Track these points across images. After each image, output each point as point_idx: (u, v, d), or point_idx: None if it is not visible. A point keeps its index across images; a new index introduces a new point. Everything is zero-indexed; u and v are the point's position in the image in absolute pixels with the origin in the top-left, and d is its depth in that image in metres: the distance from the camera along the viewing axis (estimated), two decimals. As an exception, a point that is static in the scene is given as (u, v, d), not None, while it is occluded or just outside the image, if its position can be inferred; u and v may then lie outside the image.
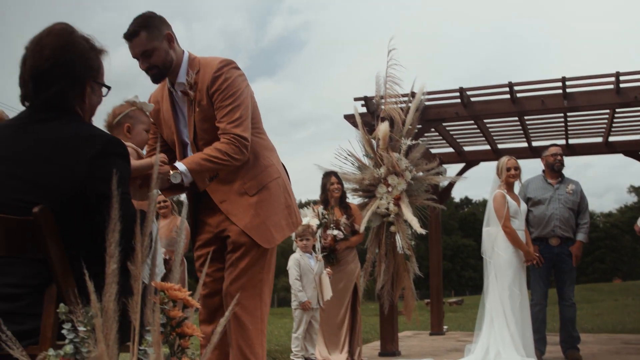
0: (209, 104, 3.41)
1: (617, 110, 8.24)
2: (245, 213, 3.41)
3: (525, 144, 10.15)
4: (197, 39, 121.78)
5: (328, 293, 6.47)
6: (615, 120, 8.82)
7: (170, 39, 3.42)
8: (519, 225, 6.55)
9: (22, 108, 2.32)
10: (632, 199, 68.35)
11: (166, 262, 6.83)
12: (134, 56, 3.36)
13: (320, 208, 6.95)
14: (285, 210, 3.57)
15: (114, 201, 1.96)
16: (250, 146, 3.40)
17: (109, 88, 2.43)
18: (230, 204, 3.43)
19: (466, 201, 72.98)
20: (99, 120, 3.52)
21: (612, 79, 7.25)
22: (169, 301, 2.04)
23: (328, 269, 6.62)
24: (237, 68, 3.50)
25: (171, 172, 3.14)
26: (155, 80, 3.47)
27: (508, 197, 6.55)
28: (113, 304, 1.86)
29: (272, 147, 3.71)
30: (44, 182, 2.07)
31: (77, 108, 2.30)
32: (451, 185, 10.42)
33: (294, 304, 6.39)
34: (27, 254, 2.04)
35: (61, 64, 2.21)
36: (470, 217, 63.40)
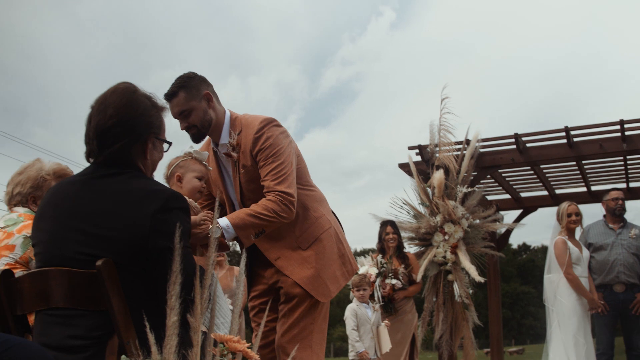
0: (254, 165, 3.44)
1: (680, 151, 8.04)
2: (300, 267, 3.43)
3: (584, 189, 9.96)
4: (253, 92, 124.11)
5: (387, 345, 6.39)
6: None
7: (209, 98, 3.47)
8: (581, 272, 6.39)
9: (86, 164, 2.39)
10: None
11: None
12: (174, 116, 3.42)
13: (379, 257, 6.93)
14: (339, 260, 3.57)
15: (176, 254, 2.00)
16: (297, 201, 3.43)
17: (170, 144, 2.50)
18: (285, 260, 3.45)
19: (524, 247, 71.53)
20: (159, 174, 3.60)
21: (674, 119, 7.10)
22: (228, 353, 2.05)
23: (386, 321, 6.55)
24: (279, 125, 3.53)
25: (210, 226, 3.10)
26: (195, 139, 3.51)
27: (569, 244, 6.42)
28: (173, 356, 1.88)
29: (321, 198, 3.73)
30: (108, 235, 2.11)
31: (139, 163, 2.37)
32: (508, 232, 10.26)
33: (351, 354, 6.33)
34: (91, 306, 2.07)
35: (124, 122, 2.29)
36: (528, 263, 62.13)
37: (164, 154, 2.53)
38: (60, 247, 2.15)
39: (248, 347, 2.09)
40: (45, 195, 2.37)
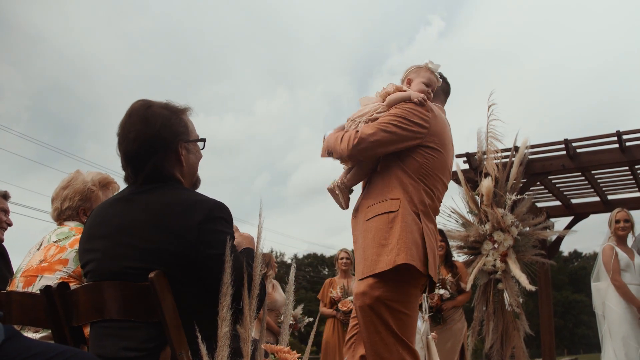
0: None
1: None
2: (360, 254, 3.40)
3: (637, 194, 9.74)
4: (301, 104, 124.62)
5: (436, 357, 6.34)
6: None
7: None
8: (630, 279, 6.26)
9: None
10: None
11: (291, 326, 6.96)
12: None
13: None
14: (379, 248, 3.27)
15: (227, 266, 2.01)
16: (395, 178, 3.39)
17: (203, 141, 2.50)
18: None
19: (575, 255, 70.25)
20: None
21: None
22: (279, 364, 2.06)
23: (434, 333, 6.48)
24: (419, 108, 3.45)
25: None
26: None
27: (618, 250, 6.30)
28: (225, 367, 1.90)
29: (414, 192, 3.40)
30: (157, 248, 2.14)
31: (177, 173, 2.39)
32: (559, 239, 10.09)
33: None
34: (144, 318, 2.10)
35: (148, 141, 2.31)
36: (580, 271, 60.99)
37: (202, 152, 2.53)
38: (112, 264, 2.18)
39: (298, 358, 2.10)
40: (89, 217, 2.41)
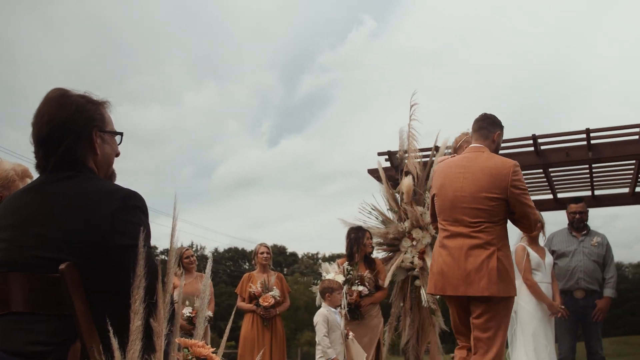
0: None
1: (644, 160, 8.18)
2: None
3: (550, 196, 10.08)
4: (229, 97, 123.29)
5: (361, 354, 6.41)
6: (641, 171, 8.76)
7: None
8: (542, 277, 6.47)
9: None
10: (660, 248, 67.14)
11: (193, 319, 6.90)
12: None
13: (346, 264, 6.92)
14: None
15: (140, 257, 1.98)
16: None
17: (121, 134, 2.46)
18: None
19: (492, 253, 72.21)
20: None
21: (637, 129, 7.22)
22: (192, 358, 2.03)
23: (351, 333, 6.52)
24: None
25: None
26: None
27: (530, 250, 6.51)
28: (137, 361, 1.86)
29: (439, 239, 4.62)
30: (68, 238, 2.08)
31: (90, 162, 2.34)
32: (476, 238, 10.34)
33: (319, 360, 6.32)
34: (53, 310, 2.05)
35: (60, 124, 2.26)
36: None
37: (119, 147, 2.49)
38: (20, 254, 2.11)
39: (213, 352, 2.08)
40: None
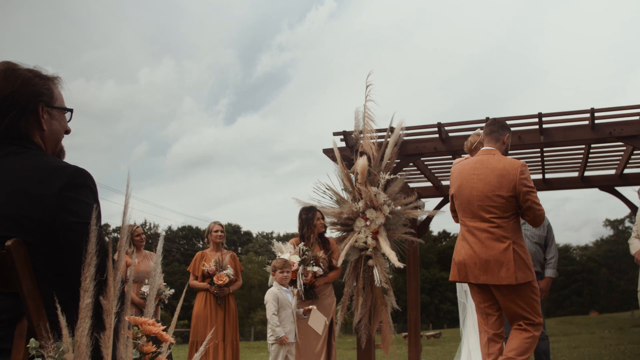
0: None
1: (593, 145, 8.35)
2: None
3: (502, 178, 10.22)
4: (186, 75, 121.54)
5: (321, 321, 6.47)
6: (590, 155, 8.94)
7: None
8: None
9: None
10: (608, 232, 68.96)
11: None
12: None
13: (302, 244, 6.92)
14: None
15: (92, 235, 1.95)
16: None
17: (70, 111, 2.41)
18: None
19: (444, 235, 73.13)
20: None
21: (588, 115, 7.34)
22: (142, 336, 2.02)
23: (311, 307, 6.55)
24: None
25: None
26: None
27: None
28: (85, 339, 1.84)
29: (462, 232, 5.24)
30: (14, 214, 2.04)
31: (37, 137, 2.29)
32: (429, 219, 10.43)
33: (270, 339, 6.33)
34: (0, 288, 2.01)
35: (5, 96, 2.21)
36: (448, 250, 63.53)
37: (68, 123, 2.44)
38: None
39: (163, 330, 2.07)
40: None
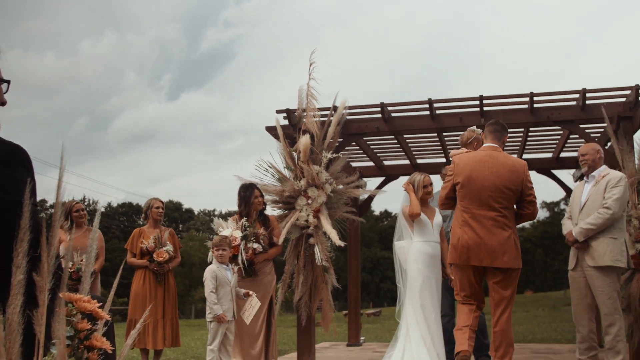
0: None
1: (531, 129, 8.53)
2: None
3: (443, 159, 10.38)
4: (129, 48, 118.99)
5: (255, 306, 6.47)
6: (529, 138, 9.13)
7: None
8: (430, 237, 6.66)
9: None
10: (544, 214, 70.68)
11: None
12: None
13: (244, 220, 6.89)
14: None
15: (25, 210, 1.90)
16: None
17: (7, 82, 2.34)
18: None
19: (386, 214, 73.86)
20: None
21: (527, 99, 7.49)
22: (77, 313, 1.98)
23: (251, 293, 6.54)
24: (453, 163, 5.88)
25: None
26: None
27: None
28: (17, 317, 1.80)
29: (457, 214, 5.66)
30: None
31: None
32: (371, 198, 10.54)
33: (209, 317, 6.31)
34: None
35: None
36: (389, 230, 64.24)
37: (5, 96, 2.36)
38: None
39: (99, 307, 2.04)
40: None
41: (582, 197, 6.36)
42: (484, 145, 5.85)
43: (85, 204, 54.88)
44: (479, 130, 6.64)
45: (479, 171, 5.56)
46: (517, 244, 5.51)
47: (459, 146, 6.81)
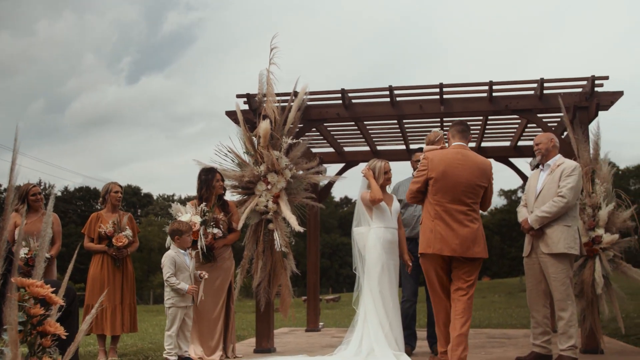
0: None
1: (490, 117, 8.62)
2: None
3: (403, 147, 10.43)
4: (88, 30, 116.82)
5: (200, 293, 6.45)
6: (487, 126, 9.23)
7: None
8: (387, 223, 6.70)
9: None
10: (502, 202, 71.63)
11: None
12: None
13: (203, 205, 6.85)
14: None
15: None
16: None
17: None
18: None
19: (346, 200, 74.14)
20: None
21: (486, 87, 7.56)
22: (29, 298, 1.95)
23: (204, 272, 6.52)
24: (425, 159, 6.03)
25: None
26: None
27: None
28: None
29: (428, 208, 5.88)
30: None
31: None
32: (331, 184, 10.55)
33: (167, 302, 6.27)
34: None
35: None
36: (349, 216, 64.29)
37: None
38: None
39: (52, 292, 2.01)
40: None
41: (537, 186, 6.46)
42: (454, 144, 6.11)
43: (42, 187, 53.93)
44: (442, 132, 7.01)
45: (454, 168, 5.84)
46: (484, 236, 5.87)
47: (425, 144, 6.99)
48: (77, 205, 62.72)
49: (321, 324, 10.95)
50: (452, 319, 5.78)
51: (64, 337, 2.10)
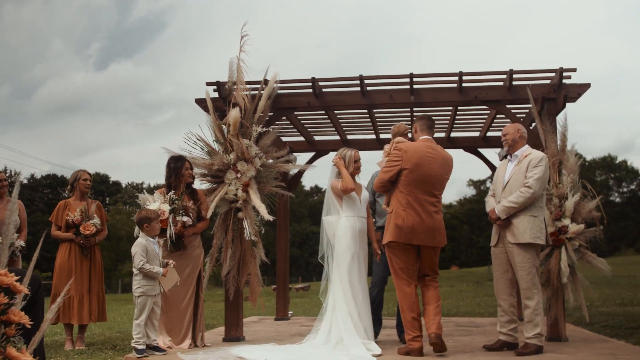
0: None
1: (459, 107, 8.68)
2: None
3: (373, 136, 10.46)
4: (56, 14, 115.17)
5: (174, 279, 6.41)
6: (457, 117, 9.29)
7: None
8: (357, 212, 6.73)
9: None
10: (471, 191, 72.35)
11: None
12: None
13: (172, 193, 6.80)
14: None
15: None
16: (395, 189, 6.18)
17: None
18: None
19: (316, 189, 74.30)
20: None
21: (456, 78, 7.60)
22: (-7, 287, 1.93)
23: (172, 261, 6.47)
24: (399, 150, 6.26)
25: None
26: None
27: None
28: None
29: (399, 197, 6.13)
30: None
31: None
32: (301, 173, 10.55)
33: (137, 291, 6.22)
34: None
35: None
36: (319, 205, 64.29)
37: None
38: None
39: (17, 281, 1.98)
40: None
41: (505, 176, 6.53)
42: (422, 138, 6.38)
43: (7, 175, 53.14)
44: (406, 124, 7.18)
45: (426, 161, 6.13)
46: (444, 225, 6.32)
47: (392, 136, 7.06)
48: (44, 193, 62.00)
49: (290, 312, 10.97)
50: (426, 304, 6.16)
51: (29, 327, 2.07)
